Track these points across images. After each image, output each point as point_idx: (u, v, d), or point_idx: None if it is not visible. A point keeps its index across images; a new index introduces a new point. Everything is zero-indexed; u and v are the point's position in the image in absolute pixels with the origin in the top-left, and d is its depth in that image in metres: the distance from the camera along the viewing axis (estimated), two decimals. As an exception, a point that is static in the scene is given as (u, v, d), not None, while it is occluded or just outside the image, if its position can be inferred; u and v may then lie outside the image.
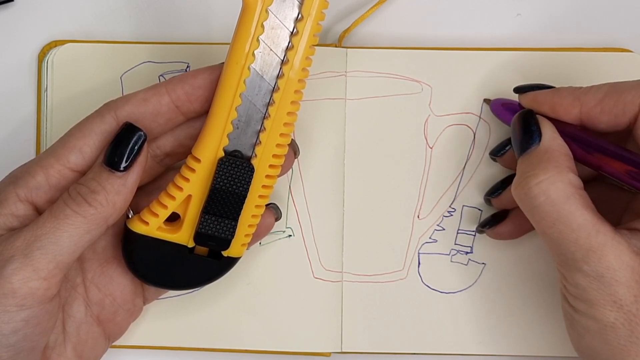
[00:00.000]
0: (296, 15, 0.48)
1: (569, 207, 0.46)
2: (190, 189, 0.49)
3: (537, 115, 0.51)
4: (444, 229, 0.57)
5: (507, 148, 0.55)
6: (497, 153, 0.56)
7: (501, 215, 0.56)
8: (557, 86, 0.52)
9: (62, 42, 0.57)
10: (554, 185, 0.47)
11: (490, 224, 0.56)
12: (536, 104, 0.51)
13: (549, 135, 0.49)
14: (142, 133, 0.48)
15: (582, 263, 0.46)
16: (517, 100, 0.53)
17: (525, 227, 0.55)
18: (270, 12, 0.47)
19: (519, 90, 0.53)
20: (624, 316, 0.45)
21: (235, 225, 0.50)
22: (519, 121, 0.51)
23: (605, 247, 0.45)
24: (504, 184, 0.55)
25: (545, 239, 0.48)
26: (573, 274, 0.47)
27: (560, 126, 0.50)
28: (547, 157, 0.48)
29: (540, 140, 0.49)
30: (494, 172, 0.57)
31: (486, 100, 0.57)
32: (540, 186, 0.47)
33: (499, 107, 0.55)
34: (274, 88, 0.48)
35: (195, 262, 0.51)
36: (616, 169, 0.49)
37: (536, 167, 0.48)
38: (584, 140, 0.50)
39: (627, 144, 0.51)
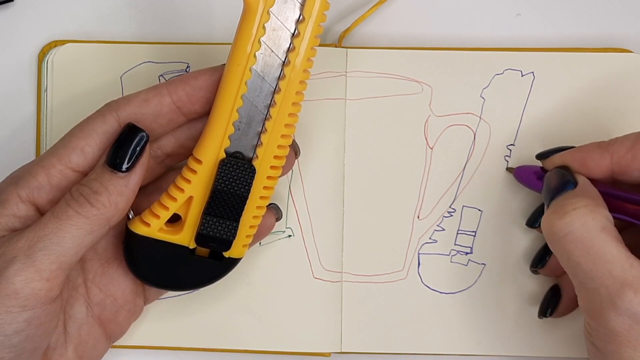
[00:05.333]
0: (297, 16, 0.48)
1: (604, 237, 0.46)
2: (192, 190, 0.49)
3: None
4: (444, 229, 0.57)
5: (547, 258, 0.54)
6: (537, 264, 0.55)
7: (556, 294, 0.55)
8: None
9: (62, 42, 0.57)
10: (591, 213, 0.46)
11: (551, 308, 0.55)
12: (564, 165, 0.52)
13: (584, 181, 0.49)
14: (144, 134, 0.48)
15: (617, 299, 0.45)
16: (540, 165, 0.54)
17: None
18: (271, 13, 0.47)
19: (541, 156, 0.54)
20: None
21: (237, 227, 0.50)
22: (556, 173, 0.51)
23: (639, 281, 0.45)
24: (547, 250, 0.54)
25: (576, 273, 0.47)
26: (605, 314, 0.45)
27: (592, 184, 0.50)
28: (582, 193, 0.48)
29: (575, 187, 0.49)
30: (494, 172, 0.57)
31: (509, 169, 0.57)
32: (577, 212, 0.47)
33: (523, 174, 0.55)
34: (275, 89, 0.48)
35: (197, 264, 0.51)
36: None
37: (573, 198, 0.48)
38: (616, 195, 0.50)
39: None
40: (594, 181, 0.50)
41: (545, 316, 0.55)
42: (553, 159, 0.52)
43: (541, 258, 0.55)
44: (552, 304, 0.55)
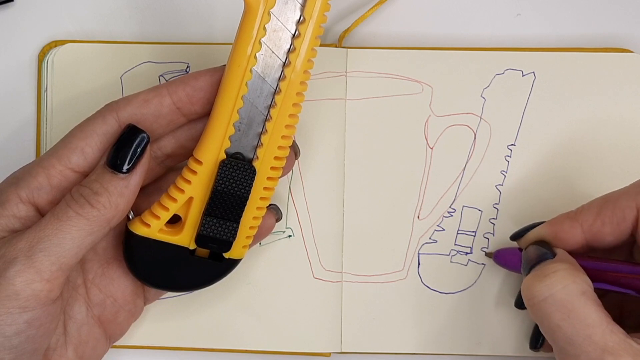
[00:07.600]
0: (298, 17, 0.48)
1: (584, 301, 0.46)
2: (192, 191, 0.49)
3: None
4: (444, 230, 0.57)
5: (542, 339, 0.54)
6: (536, 345, 0.55)
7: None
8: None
9: (62, 42, 0.57)
10: (571, 277, 0.47)
11: (540, 342, 0.54)
12: (540, 239, 0.52)
13: (562, 252, 0.50)
14: (145, 135, 0.48)
15: None
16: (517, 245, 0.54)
17: None
18: (272, 14, 0.47)
19: (515, 237, 0.54)
20: None
21: (237, 227, 0.50)
22: (533, 248, 0.51)
23: (620, 349, 0.44)
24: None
25: (556, 337, 0.47)
26: None
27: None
28: (561, 260, 0.48)
29: (553, 257, 0.49)
30: (494, 172, 0.57)
31: (488, 254, 0.57)
32: (558, 275, 0.47)
33: (502, 257, 0.55)
34: (275, 90, 0.48)
35: (197, 264, 0.51)
36: (633, 284, 0.49)
37: (552, 264, 0.48)
38: (593, 266, 0.50)
39: (634, 253, 0.52)
40: (570, 253, 0.50)
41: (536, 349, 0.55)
42: (527, 237, 0.53)
43: (537, 338, 0.55)
44: (541, 340, 0.54)
